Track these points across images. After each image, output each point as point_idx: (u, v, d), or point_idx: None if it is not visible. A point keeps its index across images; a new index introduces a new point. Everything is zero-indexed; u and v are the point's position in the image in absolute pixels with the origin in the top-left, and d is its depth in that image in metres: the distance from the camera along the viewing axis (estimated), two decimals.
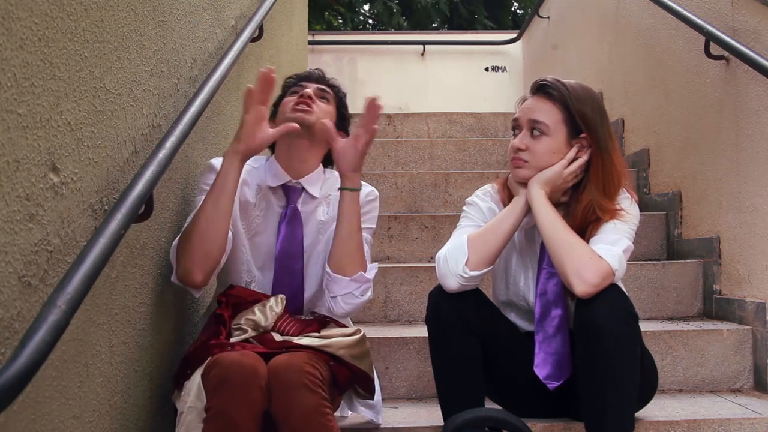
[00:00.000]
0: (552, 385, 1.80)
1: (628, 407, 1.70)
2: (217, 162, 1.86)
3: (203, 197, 1.79)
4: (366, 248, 1.87)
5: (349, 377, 1.70)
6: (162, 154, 1.60)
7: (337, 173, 1.95)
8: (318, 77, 2.01)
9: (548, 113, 1.81)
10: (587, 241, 1.77)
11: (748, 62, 2.38)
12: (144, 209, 1.55)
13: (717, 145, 2.73)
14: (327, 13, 10.97)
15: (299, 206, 1.92)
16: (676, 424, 1.97)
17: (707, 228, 2.82)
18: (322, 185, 1.97)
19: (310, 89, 1.92)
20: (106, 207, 1.44)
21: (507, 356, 1.85)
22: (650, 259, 3.02)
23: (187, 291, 2.01)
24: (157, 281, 1.78)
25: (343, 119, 2.00)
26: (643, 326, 2.48)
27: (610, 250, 1.72)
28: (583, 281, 1.68)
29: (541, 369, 1.81)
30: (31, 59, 1.14)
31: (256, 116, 1.75)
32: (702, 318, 2.72)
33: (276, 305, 1.76)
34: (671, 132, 3.21)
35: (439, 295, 1.79)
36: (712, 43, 2.67)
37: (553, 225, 1.76)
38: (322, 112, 1.91)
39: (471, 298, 1.78)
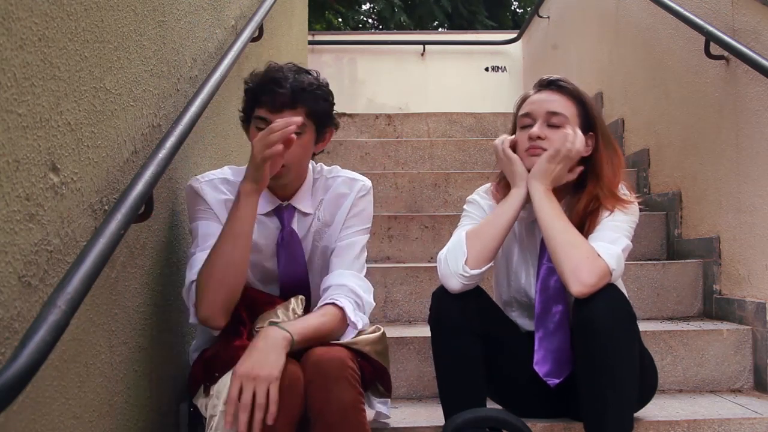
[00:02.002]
0: (552, 382, 1.80)
1: (628, 407, 1.70)
2: (199, 186, 1.77)
3: (205, 228, 1.73)
4: (361, 256, 1.80)
5: (372, 375, 1.68)
6: (162, 154, 1.59)
7: (324, 170, 1.88)
8: (280, 100, 1.68)
9: (565, 105, 1.81)
10: (587, 233, 1.76)
11: (748, 62, 2.38)
12: (144, 209, 1.55)
13: (717, 145, 2.73)
14: (327, 12, 10.97)
15: (295, 227, 1.82)
16: (676, 424, 1.97)
17: (707, 228, 2.82)
18: (313, 196, 1.84)
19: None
20: (106, 207, 1.44)
21: (508, 356, 1.85)
22: (650, 259, 3.02)
23: None
24: (157, 281, 1.78)
25: (322, 127, 1.78)
26: (643, 326, 2.48)
27: (609, 249, 1.71)
28: (580, 281, 1.67)
29: (541, 366, 1.81)
30: (31, 59, 1.14)
31: (275, 159, 1.61)
32: (702, 318, 2.72)
33: (297, 306, 1.73)
34: (671, 132, 3.21)
35: (442, 295, 1.79)
36: (712, 43, 2.67)
37: (553, 222, 1.75)
38: (296, 155, 1.71)
39: (474, 299, 1.78)
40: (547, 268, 1.84)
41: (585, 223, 1.79)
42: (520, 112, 1.87)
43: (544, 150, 1.78)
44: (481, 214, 1.91)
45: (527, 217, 1.87)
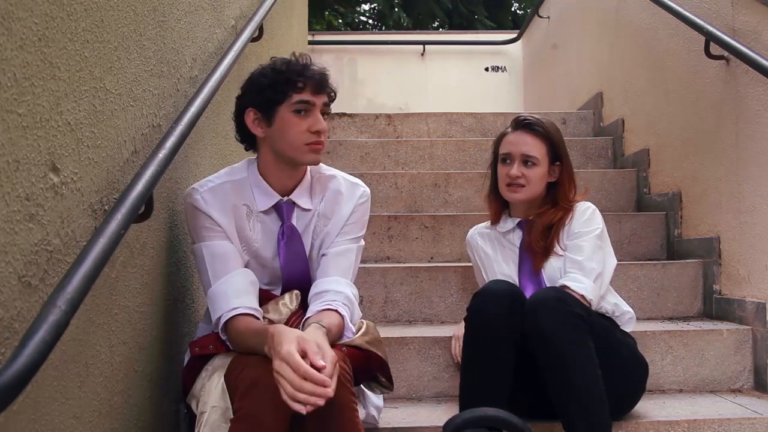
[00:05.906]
0: None
1: (596, 409, 1.74)
2: (200, 197, 1.73)
3: (215, 250, 1.71)
4: (354, 265, 1.80)
5: (367, 367, 1.68)
6: (162, 154, 1.59)
7: (323, 168, 1.85)
8: (321, 81, 1.74)
9: (537, 147, 2.09)
10: (556, 231, 2.06)
11: (748, 62, 2.38)
12: (144, 209, 1.55)
13: (717, 145, 2.73)
14: (327, 12, 10.98)
15: (295, 222, 1.81)
16: (676, 424, 1.97)
17: (707, 228, 2.82)
18: (312, 192, 1.84)
19: (321, 119, 1.73)
20: (106, 207, 1.44)
21: (521, 359, 1.86)
22: (650, 259, 3.02)
23: (187, 291, 2.02)
24: (157, 281, 1.78)
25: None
26: (643, 326, 2.48)
27: (582, 282, 1.92)
28: None
29: None
30: (31, 59, 1.14)
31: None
32: (702, 318, 2.72)
33: (290, 302, 1.73)
34: (671, 132, 3.21)
35: (487, 299, 1.84)
36: (712, 43, 2.67)
37: None
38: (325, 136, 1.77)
39: (519, 309, 1.83)
40: (529, 279, 2.06)
41: (554, 225, 2.07)
42: (501, 150, 2.14)
43: (522, 186, 2.08)
44: (475, 255, 2.23)
45: (502, 228, 2.16)
